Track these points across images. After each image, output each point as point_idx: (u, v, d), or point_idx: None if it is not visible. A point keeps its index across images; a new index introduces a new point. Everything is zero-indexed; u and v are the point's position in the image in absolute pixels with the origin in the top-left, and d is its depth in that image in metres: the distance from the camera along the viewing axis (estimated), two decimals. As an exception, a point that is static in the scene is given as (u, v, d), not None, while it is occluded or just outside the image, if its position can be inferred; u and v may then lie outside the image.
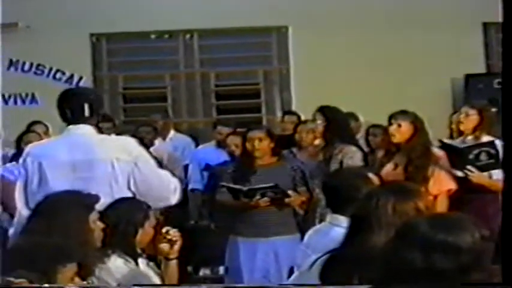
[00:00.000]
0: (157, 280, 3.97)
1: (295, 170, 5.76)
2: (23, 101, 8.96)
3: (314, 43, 8.68)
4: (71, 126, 4.23)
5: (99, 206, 3.71)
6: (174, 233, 4.02)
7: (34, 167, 4.15)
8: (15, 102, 8.93)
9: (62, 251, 2.97)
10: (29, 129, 6.81)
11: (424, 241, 2.24)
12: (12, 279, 2.56)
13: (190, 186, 7.33)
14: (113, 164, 4.11)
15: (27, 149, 4.41)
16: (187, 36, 9.24)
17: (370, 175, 3.91)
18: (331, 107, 6.14)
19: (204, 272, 6.72)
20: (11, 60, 8.97)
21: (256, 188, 5.52)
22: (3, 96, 8.70)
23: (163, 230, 3.99)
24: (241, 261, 5.61)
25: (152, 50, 9.31)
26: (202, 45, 9.27)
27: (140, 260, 3.94)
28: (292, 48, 9.06)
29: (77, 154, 4.13)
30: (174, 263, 4.04)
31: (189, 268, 6.61)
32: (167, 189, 4.28)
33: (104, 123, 7.75)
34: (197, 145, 8.11)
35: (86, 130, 4.20)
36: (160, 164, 6.62)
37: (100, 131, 4.34)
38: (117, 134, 6.92)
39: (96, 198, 3.64)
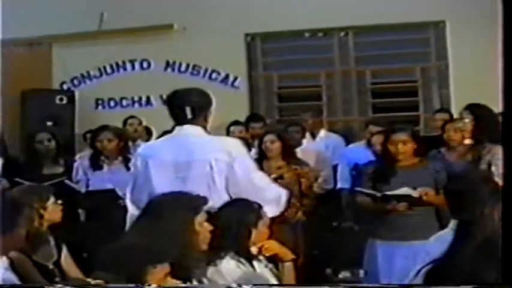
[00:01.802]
0: (275, 282, 3.89)
1: (438, 172, 5.50)
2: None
3: (473, 38, 8.29)
4: (177, 127, 4.27)
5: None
6: (269, 247, 3.90)
7: (142, 166, 4.24)
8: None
9: (153, 252, 2.96)
10: (173, 129, 6.91)
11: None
12: (89, 280, 2.57)
13: (338, 186, 7.20)
14: (211, 164, 4.08)
15: (139, 149, 4.50)
16: (342, 33, 9.08)
17: (497, 180, 3.66)
18: (480, 104, 5.84)
19: (344, 274, 6.57)
20: (167, 62, 9.22)
21: (390, 195, 5.32)
22: (161, 97, 8.95)
23: (259, 245, 3.89)
24: (379, 264, 5.44)
25: (307, 48, 9.20)
26: (358, 42, 9.08)
27: (256, 262, 3.88)
28: (450, 43, 8.70)
29: (179, 154, 4.15)
30: (289, 265, 3.95)
31: (328, 270, 6.51)
32: (261, 197, 4.09)
33: (254, 123, 7.89)
34: (348, 144, 7.94)
35: (192, 130, 4.21)
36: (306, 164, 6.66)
37: (206, 130, 4.31)
38: (266, 133, 6.91)
39: (204, 201, 3.63)
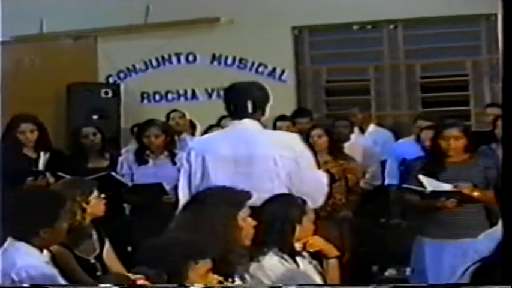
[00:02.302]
0: (319, 280, 3.81)
1: (488, 168, 5.36)
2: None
3: (526, 31, 8.07)
4: (235, 121, 4.20)
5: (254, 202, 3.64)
6: (313, 243, 3.82)
7: (198, 161, 4.17)
8: (219, 95, 9.03)
9: (194, 248, 2.90)
10: (218, 123, 6.87)
11: None
12: (130, 275, 2.51)
13: (386, 182, 7.07)
14: (275, 160, 4.05)
15: (192, 143, 4.44)
16: (392, 26, 8.91)
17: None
18: (533, 98, 5.64)
19: (390, 272, 6.46)
20: (213, 55, 9.16)
21: (439, 191, 5.19)
22: (206, 90, 8.91)
23: (303, 241, 3.81)
24: (427, 262, 5.32)
25: (355, 41, 9.06)
26: (407, 35, 8.90)
27: (300, 259, 3.80)
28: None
29: (239, 149, 4.10)
30: (333, 261, 3.86)
31: (374, 268, 6.39)
32: (320, 191, 4.19)
33: (300, 118, 7.79)
34: (397, 139, 7.81)
35: (249, 125, 4.17)
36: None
37: (263, 125, 4.26)
38: (313, 127, 6.82)
39: (248, 195, 3.56)
